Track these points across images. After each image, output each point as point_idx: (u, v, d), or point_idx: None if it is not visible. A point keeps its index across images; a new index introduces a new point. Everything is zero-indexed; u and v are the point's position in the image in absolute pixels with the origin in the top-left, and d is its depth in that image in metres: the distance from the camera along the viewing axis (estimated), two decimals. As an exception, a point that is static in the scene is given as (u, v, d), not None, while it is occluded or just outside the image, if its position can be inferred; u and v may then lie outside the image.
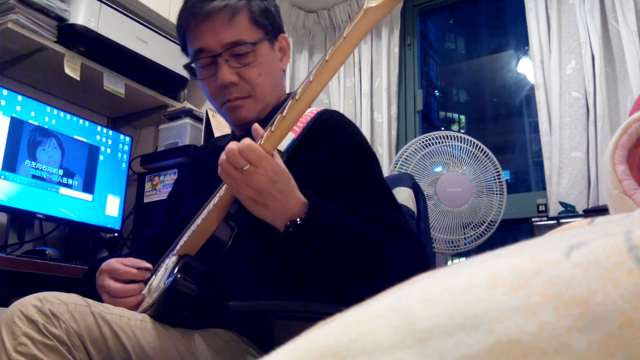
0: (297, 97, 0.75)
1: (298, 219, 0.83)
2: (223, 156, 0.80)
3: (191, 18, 1.02)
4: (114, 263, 0.94)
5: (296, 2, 2.66)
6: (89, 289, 0.99)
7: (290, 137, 1.00)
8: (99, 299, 0.89)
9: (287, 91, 1.16)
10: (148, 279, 0.96)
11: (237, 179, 0.80)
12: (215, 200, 0.88)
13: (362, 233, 0.87)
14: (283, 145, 0.98)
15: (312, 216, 0.83)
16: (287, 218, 0.83)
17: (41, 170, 1.74)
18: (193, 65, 1.06)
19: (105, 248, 2.07)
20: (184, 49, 1.10)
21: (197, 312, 0.90)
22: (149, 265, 0.95)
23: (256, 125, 0.84)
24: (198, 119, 2.12)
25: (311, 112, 1.06)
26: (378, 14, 0.67)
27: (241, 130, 1.11)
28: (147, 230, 1.23)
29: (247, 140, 0.79)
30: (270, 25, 1.06)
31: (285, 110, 0.77)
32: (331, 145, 1.00)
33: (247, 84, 1.03)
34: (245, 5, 1.02)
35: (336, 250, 0.85)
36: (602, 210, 1.67)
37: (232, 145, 0.79)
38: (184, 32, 1.06)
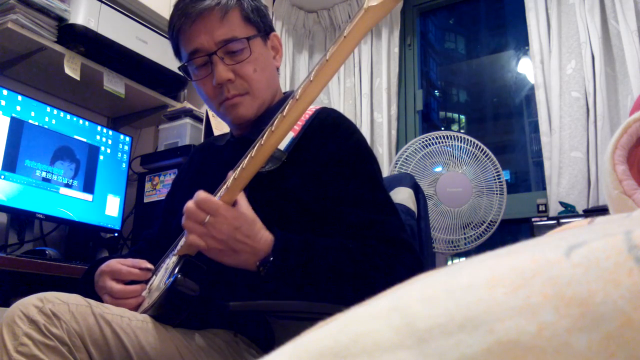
0: (297, 96, 0.75)
1: (271, 258, 0.84)
2: (184, 218, 0.83)
3: (183, 19, 1.02)
4: (115, 264, 0.94)
5: (296, 2, 2.66)
6: (88, 291, 0.99)
7: (290, 135, 1.00)
8: (97, 300, 0.89)
9: (288, 90, 1.16)
10: (148, 280, 0.96)
11: (201, 233, 0.82)
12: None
13: (338, 257, 0.88)
14: (283, 144, 0.99)
15: (280, 253, 0.85)
16: (260, 259, 0.85)
17: (41, 170, 1.74)
18: (188, 67, 1.06)
19: (105, 248, 2.07)
20: (177, 53, 1.10)
21: (197, 313, 0.90)
22: (150, 265, 0.95)
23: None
24: (198, 119, 2.12)
25: (310, 110, 1.06)
26: (378, 13, 0.67)
27: (239, 129, 1.11)
28: (146, 231, 1.23)
29: (202, 194, 0.82)
30: (261, 23, 1.07)
31: (285, 110, 0.77)
32: (328, 146, 1.00)
33: (244, 81, 1.03)
34: (237, 4, 1.03)
35: (315, 279, 0.87)
36: (602, 210, 1.67)
37: (189, 202, 0.83)
38: (177, 34, 1.06)
